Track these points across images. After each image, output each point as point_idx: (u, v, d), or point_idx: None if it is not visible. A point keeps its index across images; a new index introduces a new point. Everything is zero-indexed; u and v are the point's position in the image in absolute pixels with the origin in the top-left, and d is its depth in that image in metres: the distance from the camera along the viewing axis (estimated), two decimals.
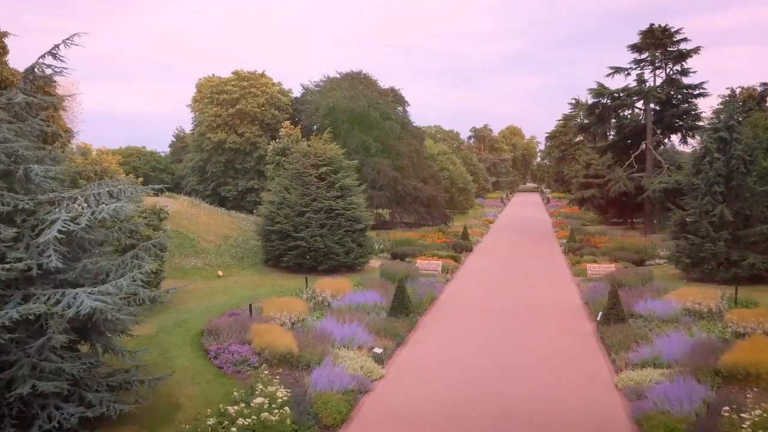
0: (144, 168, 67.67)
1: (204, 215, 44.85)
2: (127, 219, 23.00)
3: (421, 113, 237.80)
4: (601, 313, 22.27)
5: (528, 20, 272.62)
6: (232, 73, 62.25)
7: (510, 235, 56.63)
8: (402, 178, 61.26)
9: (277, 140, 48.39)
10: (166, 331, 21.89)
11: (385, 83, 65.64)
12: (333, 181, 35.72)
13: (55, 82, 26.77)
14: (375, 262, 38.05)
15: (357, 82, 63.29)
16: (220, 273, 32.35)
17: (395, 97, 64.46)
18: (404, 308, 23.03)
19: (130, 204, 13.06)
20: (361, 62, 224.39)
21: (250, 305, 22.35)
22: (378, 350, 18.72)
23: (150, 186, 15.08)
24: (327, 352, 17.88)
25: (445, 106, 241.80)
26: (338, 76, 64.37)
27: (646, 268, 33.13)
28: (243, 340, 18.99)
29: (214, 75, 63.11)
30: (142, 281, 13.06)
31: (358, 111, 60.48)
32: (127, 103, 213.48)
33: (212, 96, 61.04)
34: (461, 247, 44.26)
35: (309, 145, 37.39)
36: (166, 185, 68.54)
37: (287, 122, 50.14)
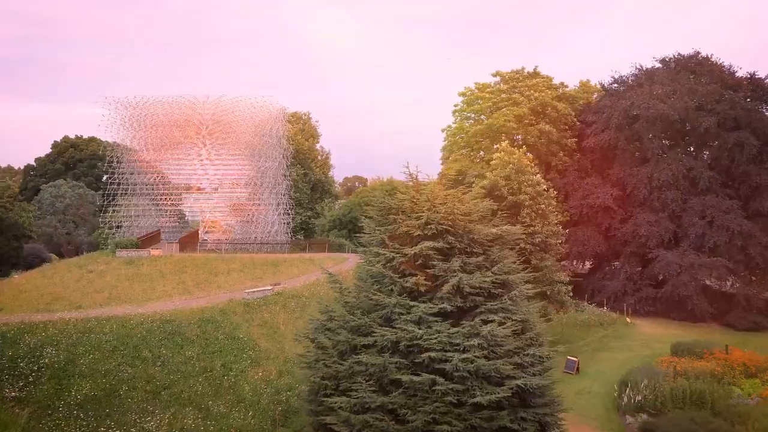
0: None
1: None
2: None
3: None
4: None
5: None
6: (493, 75, 44.00)
7: None
8: (759, 232, 34.80)
9: (492, 170, 29.04)
10: None
11: (742, 69, 39.55)
12: (450, 280, 15.89)
13: None
14: None
15: (686, 70, 38.85)
16: None
17: (756, 91, 37.84)
18: None
19: None
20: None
21: None
22: None
23: None
24: None
25: None
26: (658, 64, 40.89)
27: None
28: None
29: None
30: None
31: (678, 117, 36.38)
32: None
33: (460, 111, 44.08)
34: None
35: (409, 186, 18.25)
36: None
37: (504, 143, 30.03)
